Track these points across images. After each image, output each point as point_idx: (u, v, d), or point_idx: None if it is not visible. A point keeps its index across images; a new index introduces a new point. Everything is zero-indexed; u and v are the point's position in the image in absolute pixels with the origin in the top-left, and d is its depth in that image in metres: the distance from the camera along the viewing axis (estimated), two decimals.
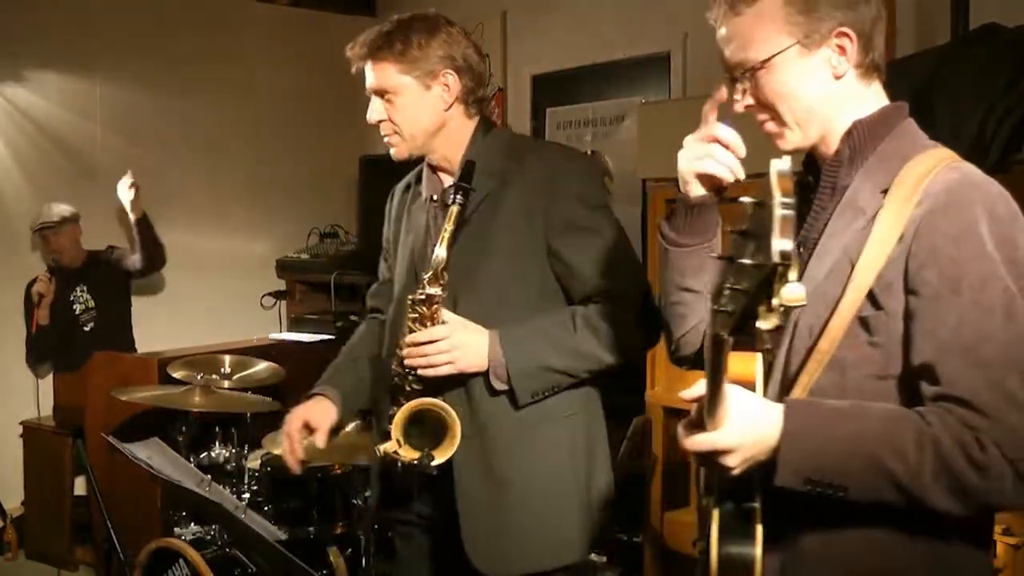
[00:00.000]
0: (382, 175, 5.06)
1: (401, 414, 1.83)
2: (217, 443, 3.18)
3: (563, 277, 1.88)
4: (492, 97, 4.99)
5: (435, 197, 1.98)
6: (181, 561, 2.69)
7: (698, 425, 1.18)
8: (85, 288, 4.34)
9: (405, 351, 1.84)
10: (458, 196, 1.80)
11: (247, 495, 2.88)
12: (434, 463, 1.81)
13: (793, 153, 1.30)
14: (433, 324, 1.82)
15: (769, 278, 0.92)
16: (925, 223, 1.17)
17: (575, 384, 1.89)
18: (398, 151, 1.94)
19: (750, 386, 1.29)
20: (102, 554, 3.60)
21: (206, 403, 3.02)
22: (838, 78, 1.29)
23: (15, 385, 4.49)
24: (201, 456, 3.15)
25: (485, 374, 1.84)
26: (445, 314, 1.83)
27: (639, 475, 3.19)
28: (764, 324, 0.97)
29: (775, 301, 0.93)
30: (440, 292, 1.81)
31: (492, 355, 1.82)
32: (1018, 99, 2.25)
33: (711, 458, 1.19)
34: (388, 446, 1.83)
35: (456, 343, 1.80)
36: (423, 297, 1.81)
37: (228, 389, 3.36)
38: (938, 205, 1.18)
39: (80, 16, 4.68)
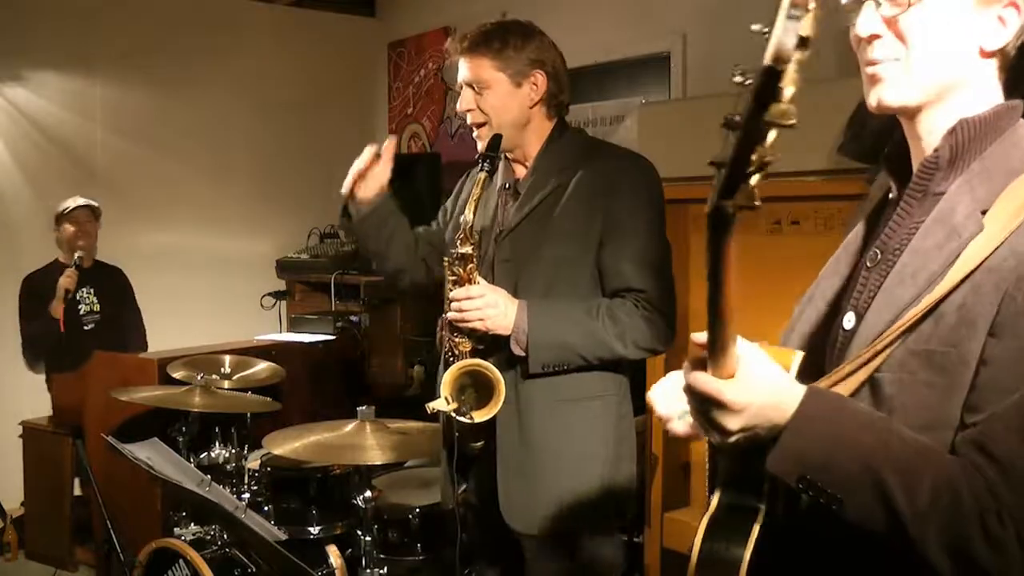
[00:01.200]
0: None
1: (450, 373, 2.01)
2: (217, 443, 3.18)
3: (601, 269, 2.04)
4: None
5: (508, 185, 2.15)
6: (181, 561, 2.68)
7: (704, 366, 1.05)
8: (92, 291, 4.33)
9: (447, 307, 2.03)
10: (485, 164, 2.01)
11: (247, 495, 2.88)
12: (476, 418, 1.98)
13: (882, 111, 1.14)
14: (470, 284, 2.01)
15: (763, 90, 0.77)
16: None
17: (605, 368, 2.07)
18: (485, 142, 2.09)
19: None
20: (102, 554, 3.60)
21: (206, 403, 3.02)
22: (986, 56, 1.10)
23: (15, 385, 4.48)
24: (201, 456, 3.15)
25: (507, 339, 2.00)
26: (479, 279, 2.02)
27: (639, 475, 3.18)
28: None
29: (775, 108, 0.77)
30: (471, 251, 2.00)
31: (518, 321, 1.98)
32: (1018, 99, 2.25)
33: (709, 411, 1.04)
34: (436, 403, 2.00)
35: (489, 302, 1.98)
36: (458, 256, 2.01)
37: (228, 389, 3.35)
38: None
39: (80, 16, 4.68)
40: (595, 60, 4.43)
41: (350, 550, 2.77)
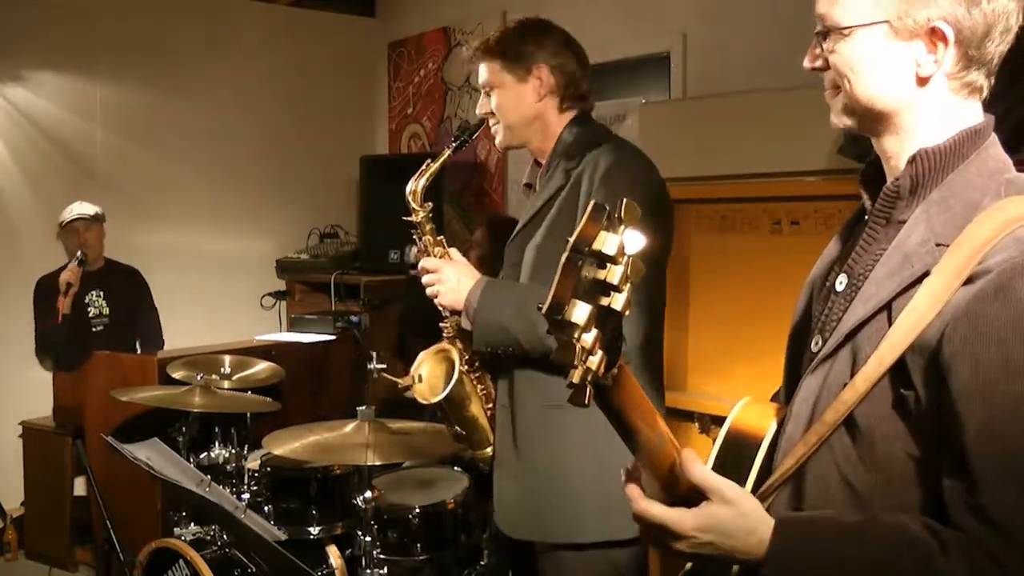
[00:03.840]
0: (382, 175, 5.12)
1: (424, 354, 2.11)
2: (217, 443, 3.18)
3: None
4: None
5: (531, 184, 2.18)
6: (181, 561, 2.68)
7: (664, 483, 1.08)
8: (102, 294, 4.33)
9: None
10: (453, 142, 2.10)
11: (247, 495, 2.88)
12: (420, 389, 2.08)
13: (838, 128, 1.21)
14: (445, 259, 2.09)
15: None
16: (969, 307, 1.01)
17: None
18: (500, 140, 2.14)
19: (757, 440, 1.22)
20: (102, 554, 3.60)
21: (206, 403, 3.02)
22: (922, 82, 1.12)
23: (15, 385, 4.49)
24: (201, 456, 3.15)
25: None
26: (454, 253, 2.09)
27: None
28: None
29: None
30: (417, 220, 2.10)
31: (469, 298, 2.00)
32: (1018, 99, 2.25)
33: (656, 534, 1.08)
34: (404, 379, 2.11)
35: (443, 278, 2.03)
36: (415, 225, 2.10)
37: (228, 389, 3.35)
38: (987, 290, 1.00)
39: (80, 16, 4.68)
40: (595, 60, 4.38)
41: (350, 550, 2.77)
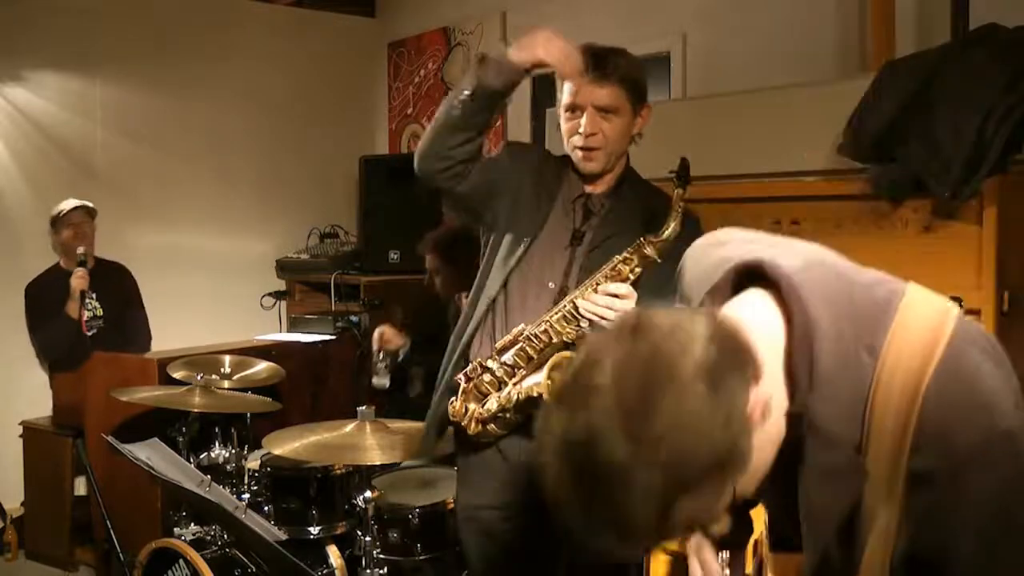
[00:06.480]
0: (382, 175, 5.11)
1: (559, 356, 2.01)
2: (217, 443, 3.18)
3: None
4: None
5: (581, 196, 2.18)
6: (181, 561, 2.69)
7: None
8: (94, 296, 4.32)
9: (586, 295, 2.00)
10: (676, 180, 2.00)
11: (247, 495, 2.88)
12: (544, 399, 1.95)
13: None
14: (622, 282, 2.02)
15: None
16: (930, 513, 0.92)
17: None
18: (597, 164, 2.14)
19: None
20: (102, 554, 3.61)
21: (206, 403, 3.02)
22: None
23: (15, 385, 4.49)
24: (201, 456, 3.15)
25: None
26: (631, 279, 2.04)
27: None
28: None
29: None
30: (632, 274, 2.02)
31: None
32: (1018, 99, 2.25)
33: None
34: (540, 385, 2.00)
35: (627, 307, 1.96)
36: (622, 260, 2.01)
37: (228, 389, 3.35)
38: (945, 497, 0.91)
39: (80, 16, 4.67)
40: None
41: (350, 550, 2.77)
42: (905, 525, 0.92)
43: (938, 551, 0.93)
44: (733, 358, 0.90)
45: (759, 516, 1.26)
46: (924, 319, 0.95)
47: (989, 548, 0.91)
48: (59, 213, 4.28)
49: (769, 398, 0.93)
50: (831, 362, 0.95)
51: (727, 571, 1.25)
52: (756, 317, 0.99)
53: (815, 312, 0.96)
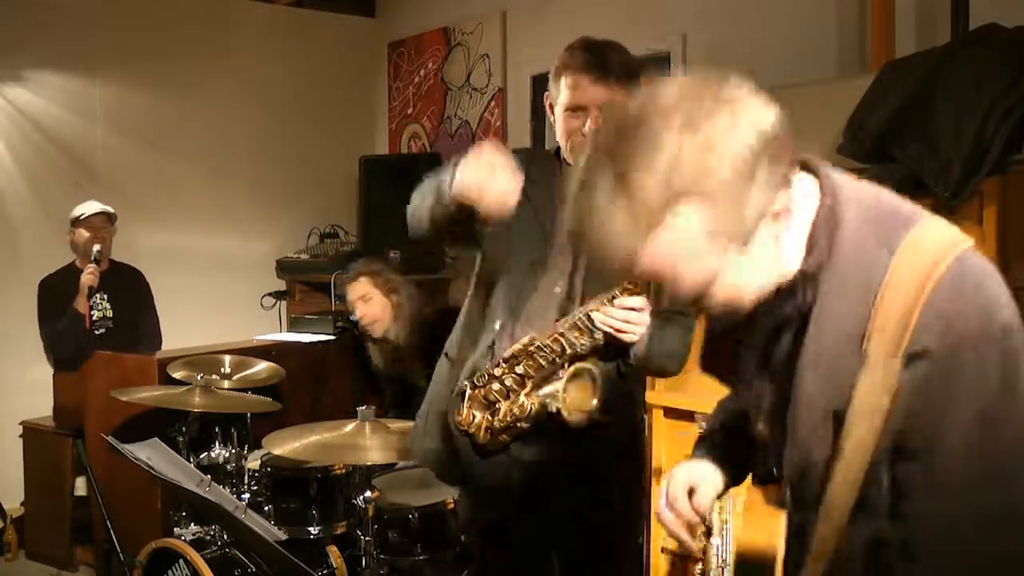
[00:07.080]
0: (382, 175, 5.11)
1: (577, 367, 1.97)
2: (217, 443, 3.18)
3: None
4: (492, 97, 5.00)
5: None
6: (181, 561, 2.69)
7: None
8: (105, 296, 4.32)
9: (603, 308, 1.96)
10: None
11: (247, 495, 2.88)
12: (561, 412, 1.94)
13: None
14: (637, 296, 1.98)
15: None
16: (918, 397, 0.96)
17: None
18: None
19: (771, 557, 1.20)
20: (102, 554, 3.60)
21: (206, 403, 3.02)
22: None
23: (15, 385, 4.49)
24: (201, 456, 3.15)
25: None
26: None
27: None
28: None
29: None
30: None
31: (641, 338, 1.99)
32: (1018, 99, 2.25)
33: None
34: (552, 392, 1.97)
35: (643, 320, 1.96)
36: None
37: (228, 389, 3.36)
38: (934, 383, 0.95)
39: (80, 16, 4.68)
40: None
41: (350, 550, 2.78)
42: (895, 411, 0.95)
43: (925, 436, 0.96)
44: (776, 152, 1.02)
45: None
46: (942, 231, 1.03)
47: (975, 434, 0.94)
48: (80, 215, 4.29)
49: (789, 214, 1.01)
50: (849, 246, 1.02)
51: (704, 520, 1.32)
52: (796, 187, 1.07)
53: (844, 197, 1.07)
